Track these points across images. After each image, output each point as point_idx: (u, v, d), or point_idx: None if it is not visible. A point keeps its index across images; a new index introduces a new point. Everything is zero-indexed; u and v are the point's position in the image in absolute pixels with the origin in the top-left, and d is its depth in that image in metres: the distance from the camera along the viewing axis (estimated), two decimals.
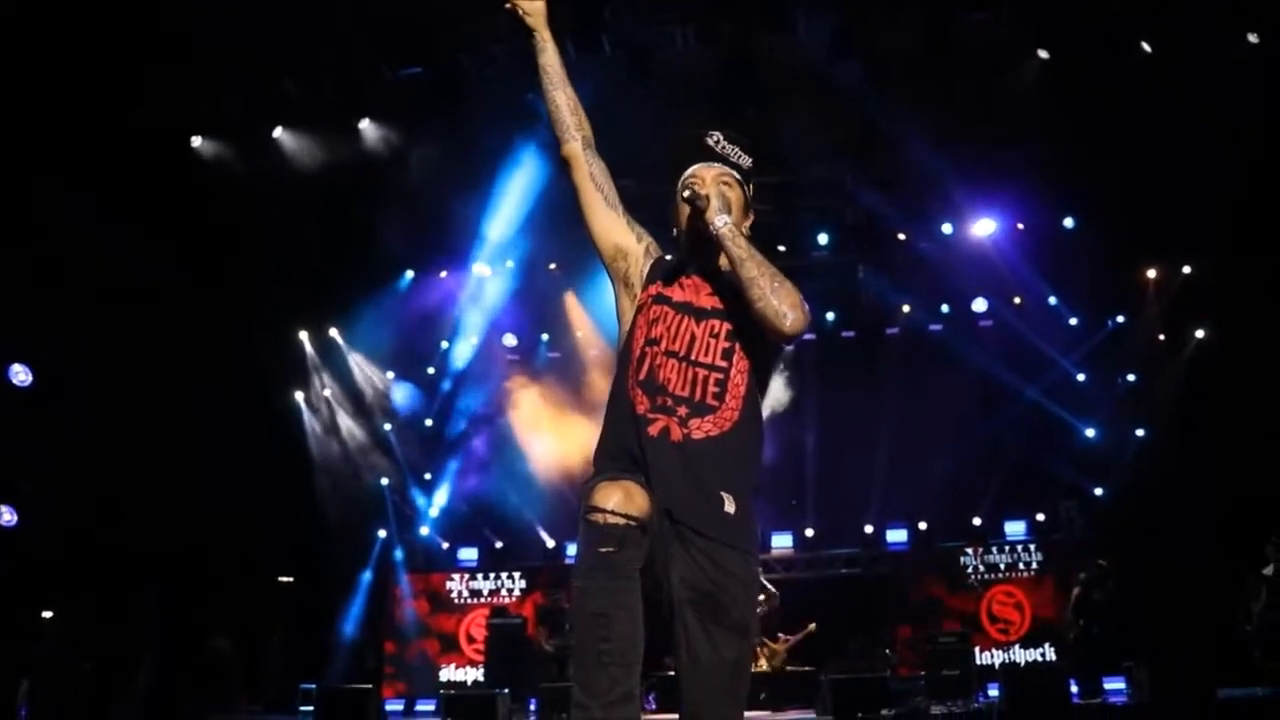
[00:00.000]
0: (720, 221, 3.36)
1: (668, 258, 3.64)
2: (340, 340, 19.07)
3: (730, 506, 3.28)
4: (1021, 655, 15.82)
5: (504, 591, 17.65)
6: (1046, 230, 17.38)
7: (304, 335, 18.92)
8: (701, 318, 3.46)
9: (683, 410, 3.32)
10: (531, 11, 3.63)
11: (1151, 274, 17.59)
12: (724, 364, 3.41)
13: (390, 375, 19.48)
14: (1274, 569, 12.87)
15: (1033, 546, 16.91)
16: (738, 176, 3.59)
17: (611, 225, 3.63)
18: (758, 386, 3.50)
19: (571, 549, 17.72)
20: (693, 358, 3.39)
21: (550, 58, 3.64)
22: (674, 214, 3.62)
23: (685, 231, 3.57)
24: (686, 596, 3.25)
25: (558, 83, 3.64)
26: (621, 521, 3.05)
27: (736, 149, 3.61)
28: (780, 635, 15.08)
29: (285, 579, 17.83)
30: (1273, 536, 12.95)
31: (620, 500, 3.07)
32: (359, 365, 19.35)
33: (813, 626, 14.98)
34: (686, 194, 3.47)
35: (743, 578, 3.29)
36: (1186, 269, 17.26)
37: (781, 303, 3.28)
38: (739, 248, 3.33)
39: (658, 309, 3.47)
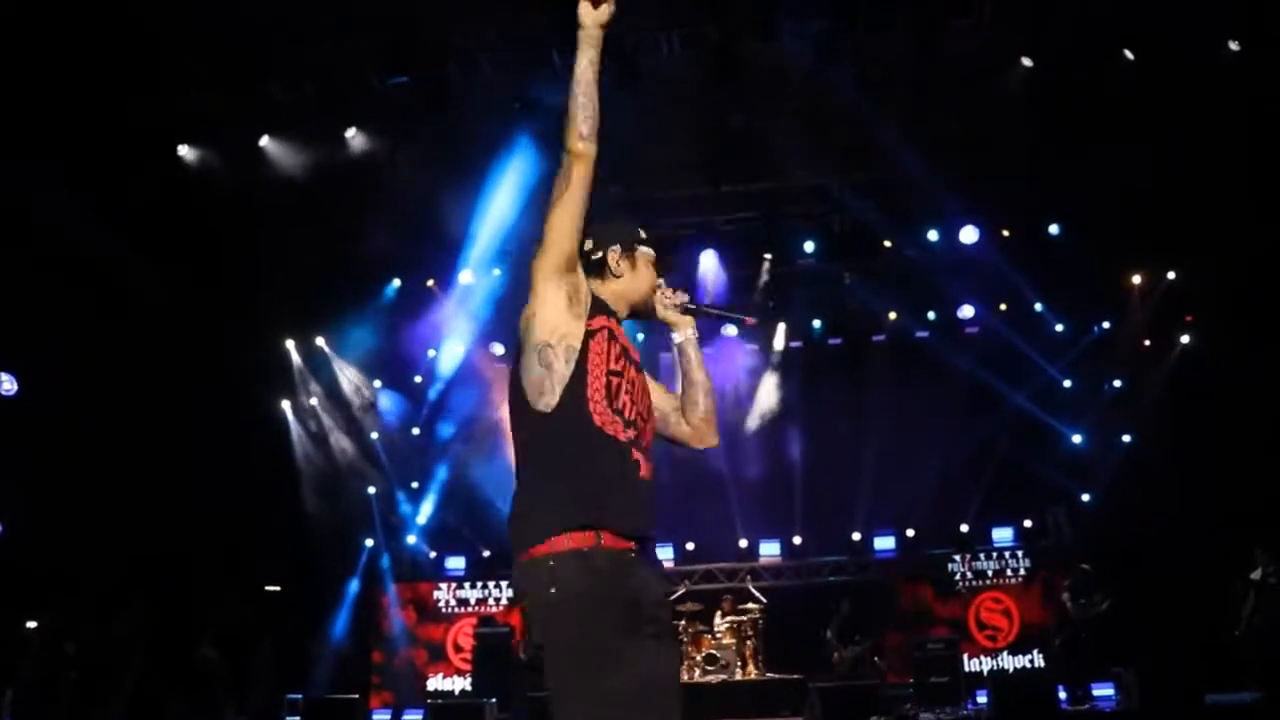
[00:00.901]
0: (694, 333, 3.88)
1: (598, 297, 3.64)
2: (327, 349, 19.02)
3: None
4: (1010, 662, 15.84)
5: (491, 600, 17.60)
6: (1032, 237, 17.46)
7: (290, 344, 18.87)
8: (638, 369, 3.57)
9: (644, 447, 3.43)
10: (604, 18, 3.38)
11: (1136, 280, 17.66)
12: (649, 417, 3.56)
13: (377, 384, 19.44)
14: (1261, 573, 12.94)
15: (1020, 553, 16.96)
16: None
17: (579, 233, 3.57)
18: None
19: None
20: (642, 402, 3.51)
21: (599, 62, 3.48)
22: (617, 272, 3.77)
23: (641, 299, 3.81)
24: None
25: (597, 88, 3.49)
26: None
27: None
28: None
29: (272, 588, 17.75)
30: (1259, 542, 13.03)
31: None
32: (346, 374, 19.30)
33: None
34: (683, 299, 3.93)
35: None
36: (1171, 274, 17.34)
37: (710, 427, 3.90)
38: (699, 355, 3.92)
39: (612, 345, 3.47)
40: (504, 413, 17.63)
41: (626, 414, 3.36)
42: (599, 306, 3.56)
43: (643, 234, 3.86)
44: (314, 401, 19.10)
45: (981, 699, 13.40)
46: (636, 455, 3.34)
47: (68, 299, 13.63)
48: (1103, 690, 13.88)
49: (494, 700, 13.68)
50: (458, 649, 17.45)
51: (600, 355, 3.40)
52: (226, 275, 15.53)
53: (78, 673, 13.34)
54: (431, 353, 19.10)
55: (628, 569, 3.15)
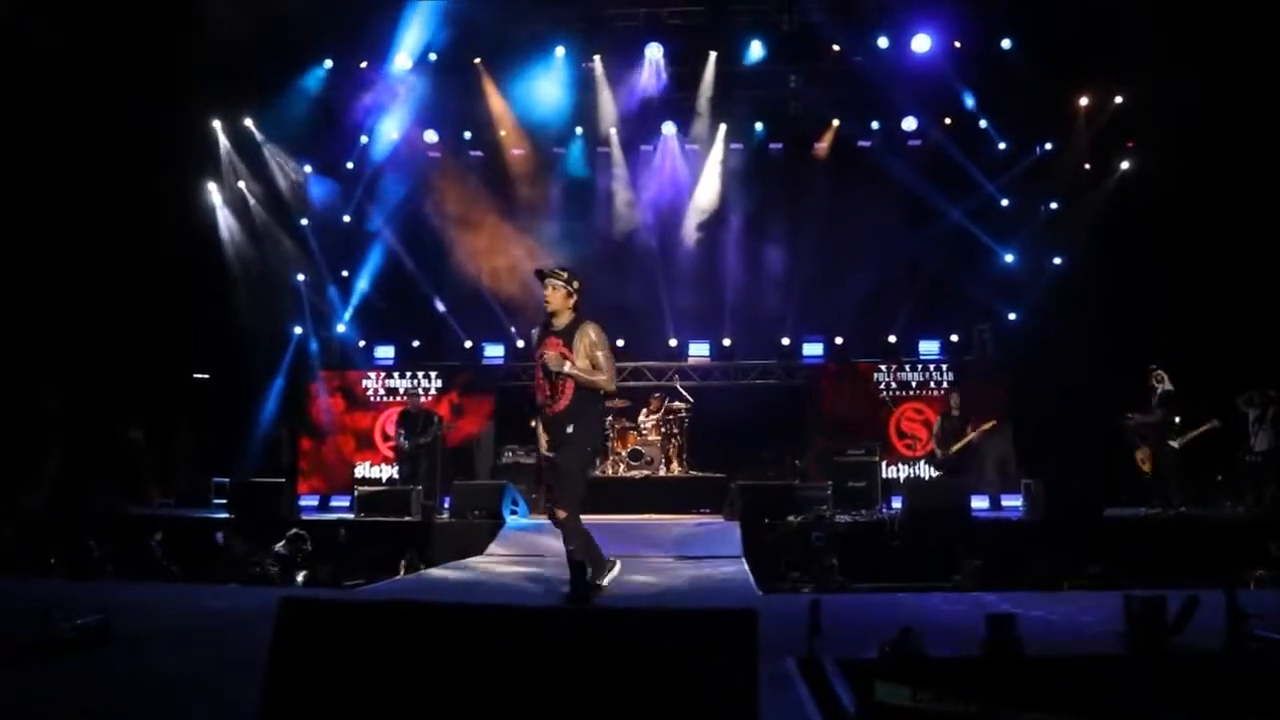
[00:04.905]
0: (559, 368, 6.76)
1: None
2: (255, 131, 18.36)
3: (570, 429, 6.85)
4: (926, 470, 16.31)
5: (420, 390, 17.64)
6: (983, 51, 17.16)
7: (217, 124, 18.17)
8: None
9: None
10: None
11: (1084, 102, 17.50)
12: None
13: (308, 169, 18.90)
14: (1162, 392, 13.39)
15: (945, 366, 17.28)
16: (561, 282, 6.90)
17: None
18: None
19: (489, 349, 17.95)
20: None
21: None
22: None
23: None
24: None
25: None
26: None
27: (558, 270, 6.98)
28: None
29: (200, 375, 17.62)
30: (1152, 364, 13.43)
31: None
32: (274, 157, 18.72)
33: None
34: (544, 366, 6.83)
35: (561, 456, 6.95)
36: (1119, 99, 17.19)
37: (600, 385, 6.91)
38: (573, 374, 6.77)
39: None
40: (435, 204, 17.42)
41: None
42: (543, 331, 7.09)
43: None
44: (241, 185, 18.55)
45: (896, 504, 13.82)
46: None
47: None
48: (1011, 501, 14.40)
49: (419, 488, 13.88)
50: (386, 437, 17.58)
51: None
52: (148, 49, 14.73)
53: (3, 450, 13.24)
54: (364, 139, 18.54)
55: None
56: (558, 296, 6.90)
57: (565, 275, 6.95)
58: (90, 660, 4.70)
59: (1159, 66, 14.70)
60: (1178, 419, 13.41)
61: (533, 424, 7.20)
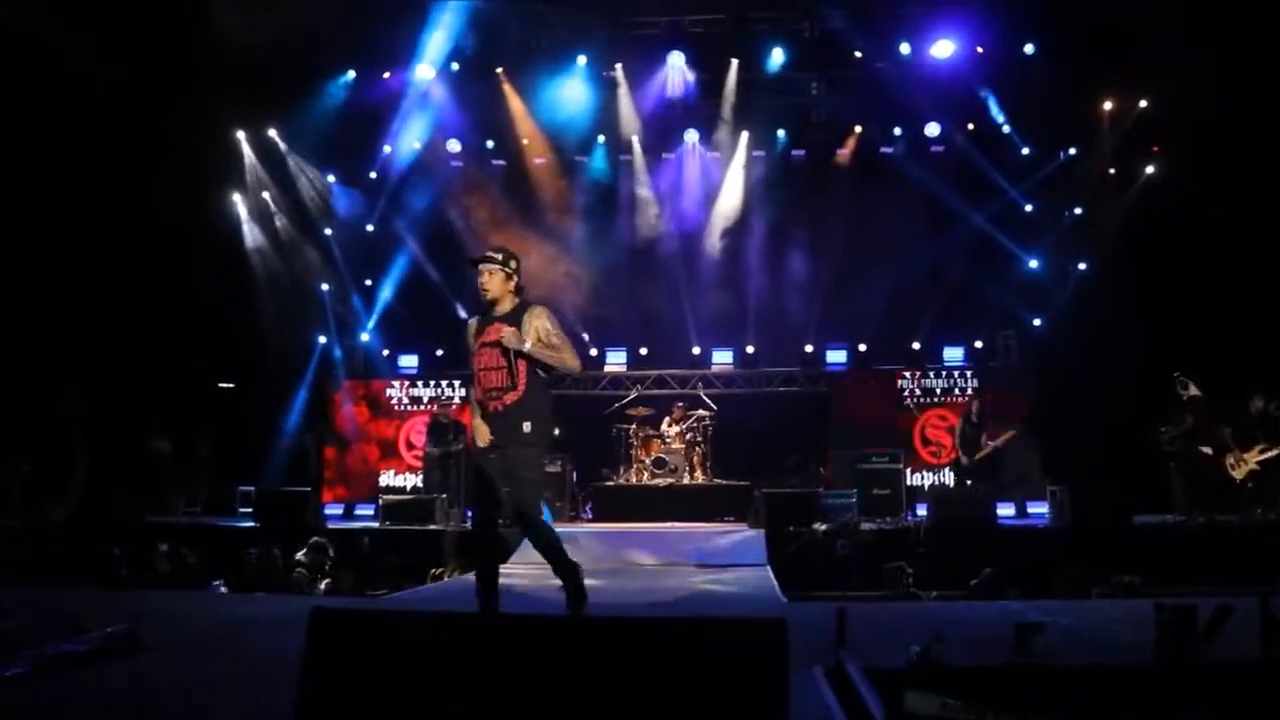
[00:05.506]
0: (520, 346, 6.05)
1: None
2: (280, 141, 18.47)
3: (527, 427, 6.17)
4: (951, 477, 16.22)
5: (444, 399, 17.69)
6: (1006, 56, 17.10)
7: (241, 135, 18.29)
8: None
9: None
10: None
11: (1108, 106, 17.39)
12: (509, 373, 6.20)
13: (331, 179, 19.00)
14: (1188, 398, 13.22)
15: (969, 373, 17.20)
16: (496, 264, 6.23)
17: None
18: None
19: None
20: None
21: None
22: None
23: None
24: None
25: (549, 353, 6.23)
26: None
27: (491, 254, 6.32)
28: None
29: (225, 384, 17.72)
30: (1176, 372, 13.26)
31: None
32: (299, 167, 18.82)
33: None
34: (504, 344, 6.09)
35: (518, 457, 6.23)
36: (1144, 103, 17.08)
37: (567, 364, 6.27)
38: (537, 354, 6.11)
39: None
40: (457, 213, 17.49)
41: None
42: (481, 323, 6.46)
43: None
44: (266, 195, 18.65)
45: (922, 511, 13.77)
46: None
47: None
48: (1037, 507, 14.31)
49: (444, 496, 13.91)
50: (410, 446, 17.65)
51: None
52: (173, 62, 14.84)
53: (30, 465, 13.36)
54: (387, 148, 18.62)
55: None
56: (495, 282, 6.22)
57: (500, 257, 6.26)
58: (120, 669, 4.73)
59: (1184, 70, 14.59)
60: (1229, 429, 13.20)
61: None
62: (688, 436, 15.79)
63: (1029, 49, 16.95)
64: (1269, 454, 12.94)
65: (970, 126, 17.82)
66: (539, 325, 6.16)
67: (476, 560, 6.72)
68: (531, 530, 6.51)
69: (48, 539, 11.54)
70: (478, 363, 6.27)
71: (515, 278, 6.29)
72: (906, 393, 17.18)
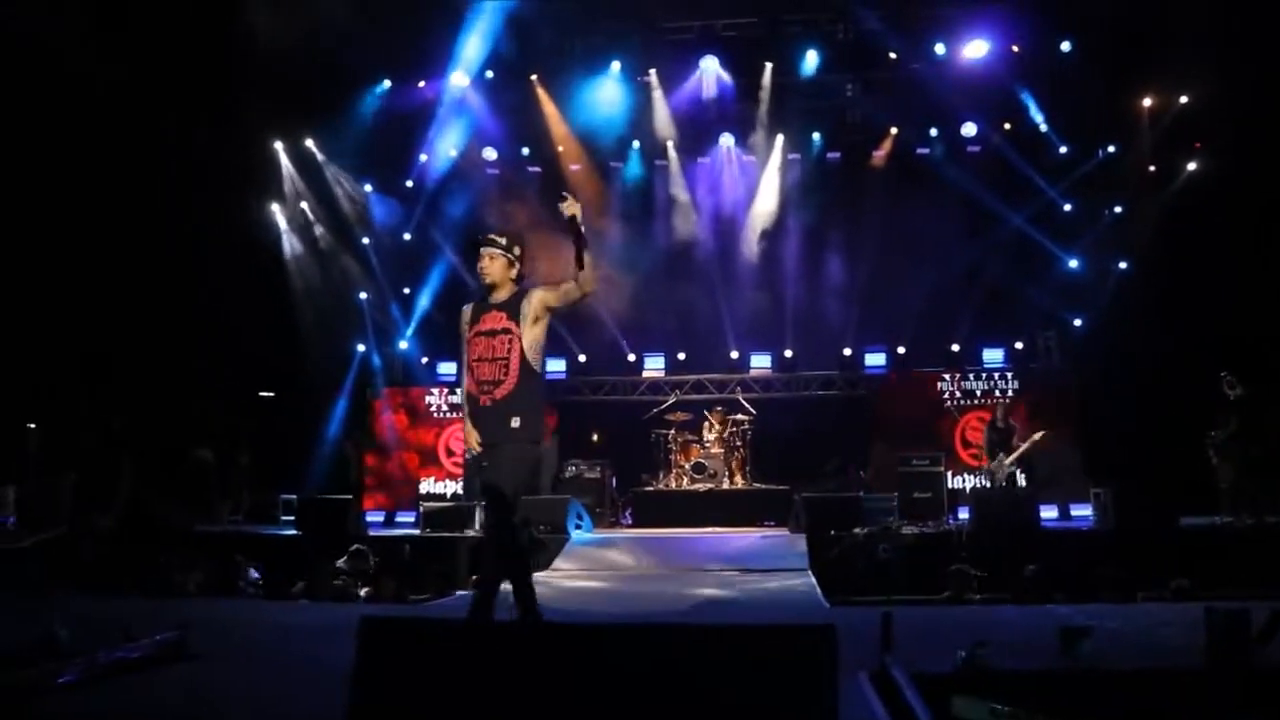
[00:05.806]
0: (577, 212, 5.87)
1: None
2: (317, 152, 18.62)
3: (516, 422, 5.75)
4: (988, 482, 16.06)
5: None
6: (1042, 53, 16.95)
7: (279, 146, 18.45)
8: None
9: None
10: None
11: (1147, 103, 17.19)
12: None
13: (368, 188, 19.14)
14: (1235, 398, 13.00)
15: (1009, 374, 17.06)
16: (499, 249, 6.03)
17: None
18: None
19: (549, 365, 17.96)
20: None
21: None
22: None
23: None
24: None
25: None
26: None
27: (494, 237, 6.10)
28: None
29: (266, 393, 17.87)
30: (1223, 371, 13.05)
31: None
32: (336, 178, 18.97)
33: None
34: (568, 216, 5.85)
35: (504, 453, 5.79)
36: (1184, 99, 16.88)
37: (585, 282, 5.84)
38: (581, 227, 5.85)
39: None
40: (494, 220, 17.54)
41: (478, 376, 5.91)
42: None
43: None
44: (304, 205, 18.81)
45: (963, 515, 13.66)
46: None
47: (41, 96, 13.22)
48: (1080, 510, 14.16)
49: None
50: (449, 453, 17.73)
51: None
52: (210, 73, 15.00)
53: (78, 474, 13.50)
54: (423, 157, 18.73)
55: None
56: (497, 267, 5.96)
57: (504, 241, 6.01)
58: (170, 676, 4.78)
59: (1224, 65, 14.42)
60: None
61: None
62: (727, 441, 15.77)
63: (1065, 46, 16.79)
64: None
65: (1007, 126, 17.67)
66: (537, 299, 5.88)
67: (478, 570, 6.31)
68: (498, 530, 5.83)
69: (95, 548, 11.66)
70: (471, 352, 5.98)
71: (518, 265, 6.04)
72: (946, 395, 17.05)
